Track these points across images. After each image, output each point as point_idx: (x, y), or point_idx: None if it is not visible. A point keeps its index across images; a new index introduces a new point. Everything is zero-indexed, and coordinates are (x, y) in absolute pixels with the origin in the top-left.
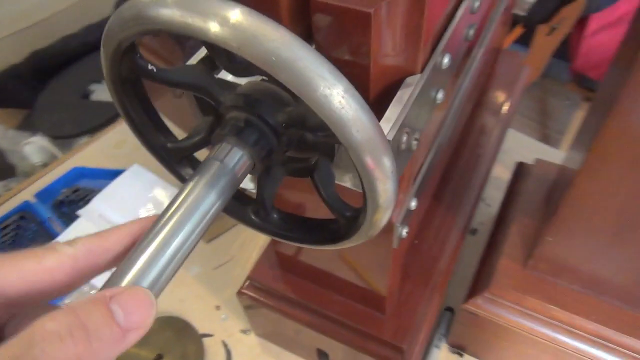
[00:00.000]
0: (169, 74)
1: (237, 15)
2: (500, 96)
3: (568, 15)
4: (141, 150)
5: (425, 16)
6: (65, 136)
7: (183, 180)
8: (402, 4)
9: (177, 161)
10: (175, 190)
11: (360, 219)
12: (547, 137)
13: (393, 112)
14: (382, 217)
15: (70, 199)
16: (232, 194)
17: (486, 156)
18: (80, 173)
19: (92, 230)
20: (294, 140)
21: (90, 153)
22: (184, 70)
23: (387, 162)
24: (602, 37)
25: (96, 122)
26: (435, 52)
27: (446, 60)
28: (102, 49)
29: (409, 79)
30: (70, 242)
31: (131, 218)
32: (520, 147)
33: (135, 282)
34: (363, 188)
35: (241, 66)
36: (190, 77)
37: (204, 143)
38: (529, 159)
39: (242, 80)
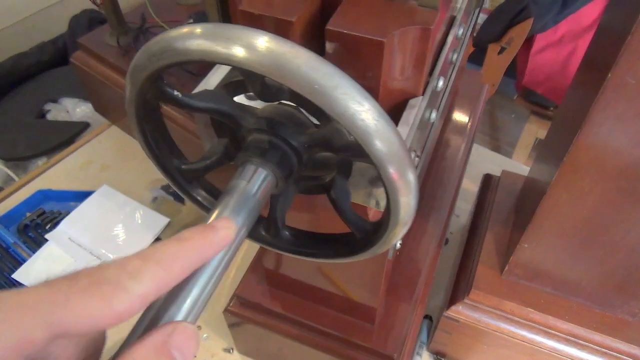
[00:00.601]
0: (193, 100)
1: (279, 45)
2: (465, 112)
3: (516, 36)
4: (108, 171)
5: (429, 44)
6: (20, 158)
7: (194, 200)
8: (412, 33)
9: (188, 182)
10: (147, 210)
11: (379, 233)
12: (499, 149)
13: (402, 132)
14: (400, 232)
15: (35, 222)
16: (258, 214)
17: (455, 169)
18: (45, 196)
19: (61, 254)
20: (311, 159)
21: (54, 175)
22: (206, 96)
23: (411, 177)
24: (547, 55)
25: (53, 142)
26: (433, 75)
27: (441, 83)
28: (128, 78)
29: (412, 101)
30: (136, 277)
31: (102, 240)
32: (480, 159)
33: (172, 317)
34: (388, 201)
35: (271, 92)
36: (214, 103)
37: (218, 164)
38: (489, 170)
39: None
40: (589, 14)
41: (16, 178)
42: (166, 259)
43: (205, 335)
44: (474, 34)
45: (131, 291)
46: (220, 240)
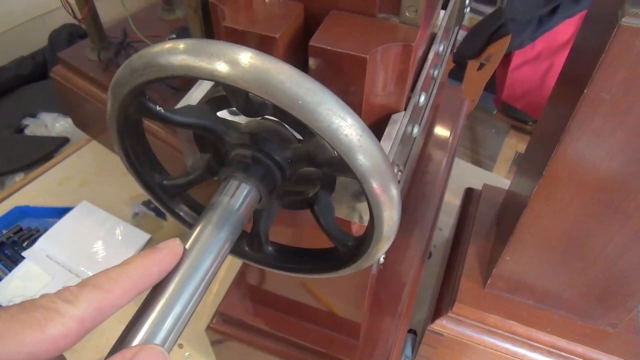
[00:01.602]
0: (176, 115)
1: (263, 61)
2: (446, 127)
3: (495, 52)
4: (88, 187)
5: (411, 60)
6: None
7: (177, 216)
8: (394, 49)
9: (171, 198)
10: (127, 226)
11: (362, 248)
12: (479, 163)
13: (385, 147)
14: (384, 246)
15: (12, 240)
16: (240, 230)
17: (438, 183)
18: (22, 212)
19: (39, 273)
20: (295, 174)
21: (32, 191)
22: (189, 112)
23: (394, 191)
24: (525, 71)
25: (31, 158)
26: (415, 91)
27: (422, 98)
28: (110, 93)
29: (394, 116)
30: (71, 300)
31: (81, 257)
32: (461, 173)
33: (148, 339)
34: (371, 216)
35: (255, 107)
36: (197, 118)
37: (201, 179)
38: (470, 183)
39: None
40: (565, 32)
41: None
42: (105, 282)
43: (187, 353)
44: (454, 51)
45: (66, 315)
46: (163, 258)
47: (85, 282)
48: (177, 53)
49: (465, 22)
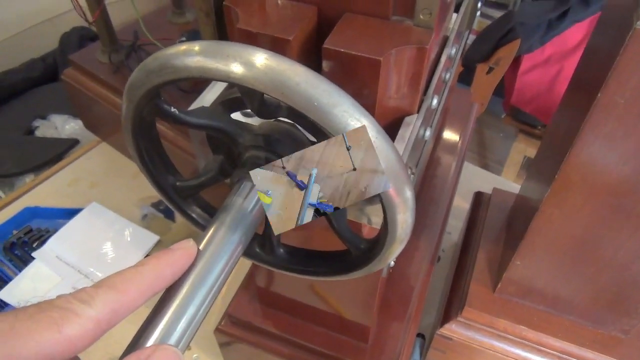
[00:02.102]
0: (190, 116)
1: (278, 62)
2: (456, 131)
3: (504, 56)
4: (97, 189)
5: (425, 63)
6: (7, 175)
7: (189, 218)
8: (408, 52)
9: (183, 199)
10: (137, 228)
11: (375, 251)
12: (487, 167)
13: (399, 150)
14: (397, 249)
15: (22, 240)
16: (253, 232)
17: (447, 187)
18: (33, 213)
19: (49, 273)
20: None
21: (42, 192)
22: (203, 113)
23: (409, 194)
24: (534, 75)
25: (41, 159)
26: (427, 94)
27: (435, 101)
28: (125, 95)
29: (407, 119)
30: (88, 301)
31: (91, 258)
32: (470, 176)
33: (162, 340)
34: (385, 219)
35: (269, 109)
36: (211, 120)
37: (214, 181)
38: (479, 187)
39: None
40: (574, 36)
41: (2, 195)
42: (120, 283)
43: (195, 355)
44: (463, 54)
45: (82, 315)
46: (178, 260)
47: (101, 283)
48: (193, 55)
49: (475, 25)
